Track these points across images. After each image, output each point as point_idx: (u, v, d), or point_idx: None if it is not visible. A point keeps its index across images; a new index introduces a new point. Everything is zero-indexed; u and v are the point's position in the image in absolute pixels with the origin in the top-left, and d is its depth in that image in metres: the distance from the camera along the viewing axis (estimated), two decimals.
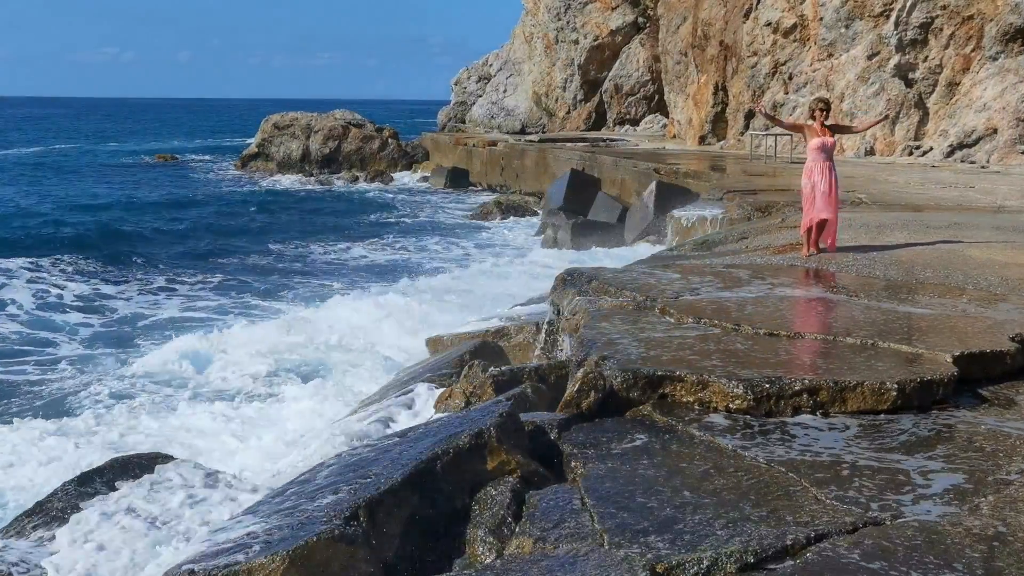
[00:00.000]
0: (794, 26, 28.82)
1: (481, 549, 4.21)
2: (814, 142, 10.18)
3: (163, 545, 5.94)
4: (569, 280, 8.87)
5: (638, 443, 4.90)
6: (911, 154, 24.86)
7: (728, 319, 6.92)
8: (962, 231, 12.04)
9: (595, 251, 21.15)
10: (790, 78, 29.17)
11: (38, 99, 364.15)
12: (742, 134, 30.86)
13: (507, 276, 19.61)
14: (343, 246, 26.30)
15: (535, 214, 30.52)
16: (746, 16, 30.93)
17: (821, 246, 10.24)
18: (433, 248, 25.92)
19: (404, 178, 44.74)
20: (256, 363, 13.34)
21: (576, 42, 45.62)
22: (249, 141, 57.32)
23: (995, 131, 22.90)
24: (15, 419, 10.92)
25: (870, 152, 25.74)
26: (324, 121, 46.75)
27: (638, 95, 44.29)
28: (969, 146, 23.42)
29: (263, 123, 49.54)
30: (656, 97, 43.30)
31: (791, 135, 27.15)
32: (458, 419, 5.19)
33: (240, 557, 3.95)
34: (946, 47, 24.40)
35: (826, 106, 10.27)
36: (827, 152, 10.14)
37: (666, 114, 41.17)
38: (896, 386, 5.38)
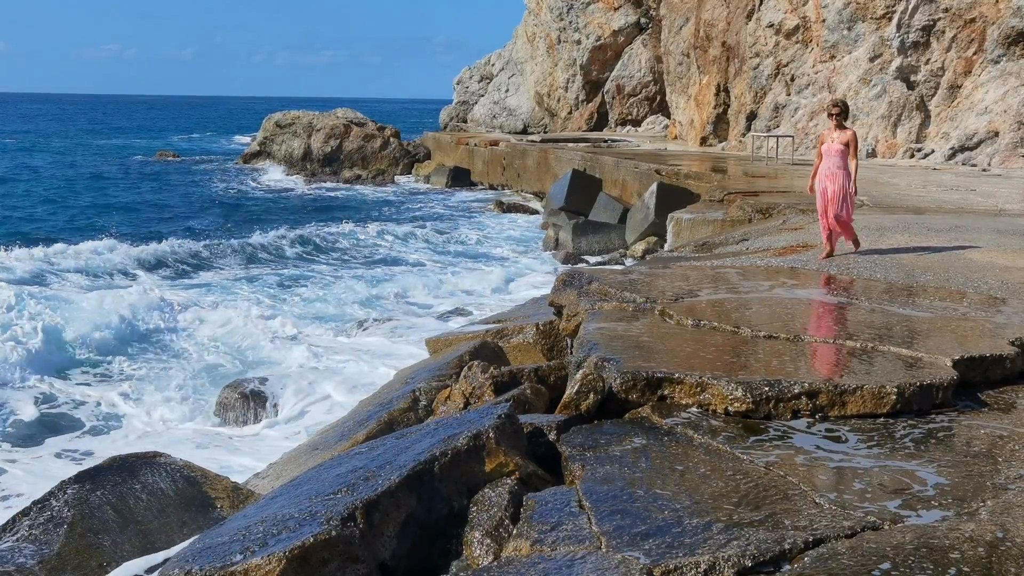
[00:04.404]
0: (796, 27, 28.82)
1: (478, 551, 4.20)
2: (823, 146, 10.18)
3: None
4: (569, 281, 8.86)
5: (637, 445, 4.89)
6: (912, 156, 24.84)
7: (728, 321, 6.91)
8: (963, 234, 12.03)
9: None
10: (792, 80, 29.16)
11: (39, 96, 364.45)
12: (744, 135, 30.85)
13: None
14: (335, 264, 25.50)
15: (535, 212, 30.56)
16: (748, 17, 30.92)
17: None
18: (433, 251, 25.93)
19: (406, 178, 44.72)
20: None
21: (579, 42, 45.60)
22: (249, 139, 57.40)
23: (996, 134, 22.88)
24: None
25: (872, 154, 25.72)
26: (326, 120, 46.76)
27: (640, 96, 44.27)
28: (970, 149, 23.40)
29: (265, 121, 49.61)
30: (658, 98, 43.28)
31: (792, 136, 27.17)
32: (456, 420, 5.18)
33: (236, 557, 3.95)
34: (948, 50, 24.38)
35: (835, 105, 10.13)
36: (833, 157, 10.08)
37: (668, 115, 41.16)
38: (896, 390, 5.37)
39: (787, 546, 3.71)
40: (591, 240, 22.94)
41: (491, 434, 4.70)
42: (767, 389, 5.33)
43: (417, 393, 7.87)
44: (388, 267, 21.91)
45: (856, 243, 10.52)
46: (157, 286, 19.32)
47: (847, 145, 10.00)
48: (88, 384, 12.65)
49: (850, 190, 10.06)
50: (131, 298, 16.75)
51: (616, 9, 44.85)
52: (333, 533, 3.96)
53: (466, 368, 7.16)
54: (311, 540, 3.91)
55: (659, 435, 5.03)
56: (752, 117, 30.99)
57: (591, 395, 5.44)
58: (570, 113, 47.18)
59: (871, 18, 26.15)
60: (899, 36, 25.08)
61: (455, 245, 25.96)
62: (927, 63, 24.87)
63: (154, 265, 22.26)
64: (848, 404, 5.34)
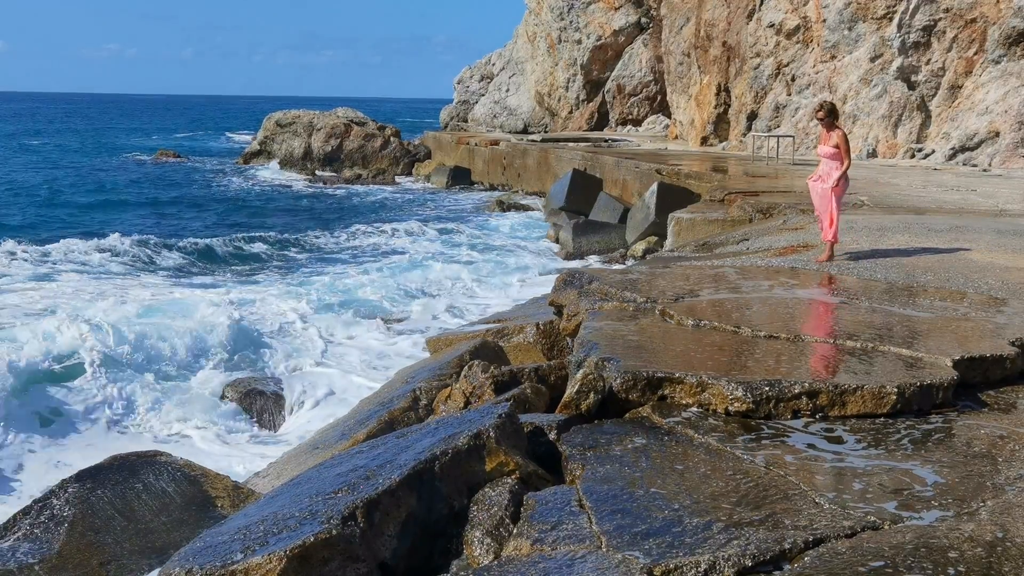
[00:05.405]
0: (797, 27, 28.82)
1: (479, 550, 4.21)
2: (818, 148, 10.25)
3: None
4: (569, 281, 8.87)
5: (637, 445, 4.90)
6: (913, 156, 24.85)
7: (728, 321, 6.92)
8: (963, 234, 12.03)
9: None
10: (792, 80, 29.17)
11: (39, 95, 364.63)
12: (744, 135, 30.85)
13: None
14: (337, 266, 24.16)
15: (535, 211, 30.59)
16: (749, 17, 30.92)
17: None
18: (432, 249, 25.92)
19: (406, 177, 44.71)
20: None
21: (579, 42, 45.60)
22: (249, 138, 57.44)
23: (997, 134, 22.88)
24: None
25: (872, 154, 25.73)
26: (326, 119, 46.75)
27: (640, 95, 44.28)
28: (971, 149, 23.41)
29: (265, 121, 49.59)
30: (659, 98, 43.29)
31: (792, 136, 27.18)
32: (457, 420, 5.19)
33: (237, 556, 3.95)
34: (949, 50, 24.39)
35: (819, 109, 10.08)
36: (825, 159, 10.07)
37: (668, 115, 41.17)
38: (896, 390, 5.37)
39: (787, 546, 3.71)
40: (591, 240, 22.93)
41: (491, 433, 4.70)
42: (767, 389, 5.34)
43: (417, 392, 7.87)
44: (388, 266, 21.89)
45: (833, 240, 10.12)
46: (158, 284, 19.33)
47: (837, 147, 9.97)
48: (88, 382, 12.65)
49: (832, 187, 9.93)
50: (134, 296, 16.75)
51: (617, 9, 44.86)
52: (333, 532, 3.97)
53: (466, 367, 7.17)
54: (312, 539, 3.92)
55: (659, 435, 5.04)
56: (753, 117, 31.00)
57: (591, 395, 5.45)
58: (571, 113, 47.19)
59: (872, 18, 26.16)
60: (900, 36, 25.08)
61: (455, 244, 25.95)
62: (928, 63, 24.87)
63: (155, 265, 22.28)
64: (848, 404, 5.34)
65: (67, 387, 12.30)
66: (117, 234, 24.81)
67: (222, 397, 11.70)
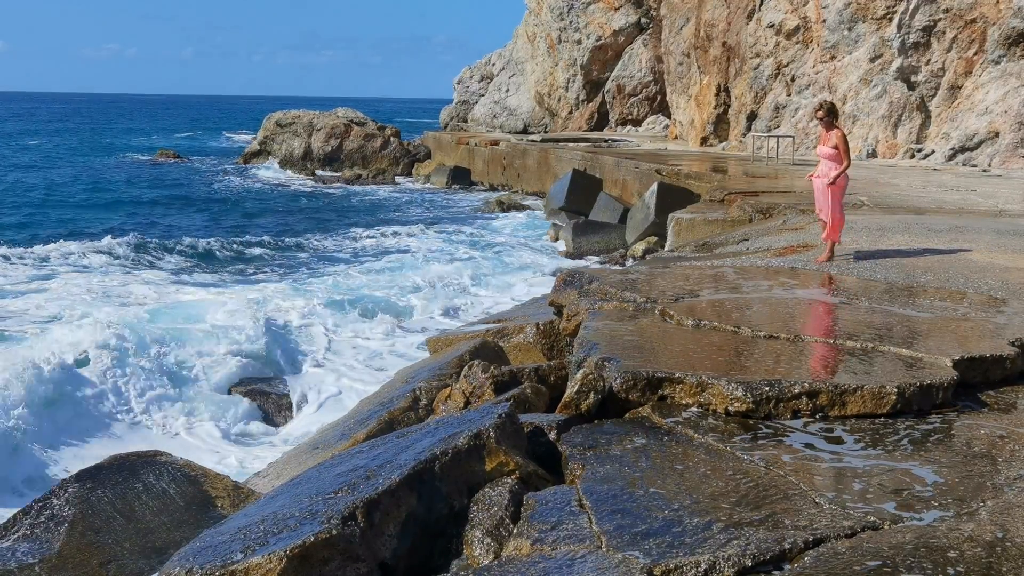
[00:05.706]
0: (797, 28, 28.82)
1: (479, 550, 4.21)
2: (818, 148, 10.23)
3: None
4: (569, 281, 8.88)
5: (637, 445, 4.90)
6: (913, 157, 24.85)
7: (728, 321, 6.92)
8: (963, 235, 12.03)
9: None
10: (792, 80, 29.17)
11: (38, 95, 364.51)
12: (744, 135, 30.85)
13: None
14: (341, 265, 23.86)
15: (535, 211, 30.62)
16: (749, 17, 30.92)
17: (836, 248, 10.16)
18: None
19: (406, 177, 44.70)
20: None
21: (579, 42, 45.61)
22: (249, 138, 57.47)
23: (997, 134, 22.88)
24: None
25: (872, 155, 25.73)
26: (326, 119, 46.75)
27: (640, 96, 44.28)
28: (971, 149, 23.41)
29: (265, 121, 49.60)
30: (658, 98, 43.29)
31: (792, 136, 27.19)
32: (457, 420, 5.19)
33: (237, 556, 3.95)
34: (948, 50, 24.39)
35: (819, 108, 10.05)
36: (824, 159, 10.04)
37: (668, 115, 41.17)
38: (896, 390, 5.37)
39: (787, 546, 3.72)
40: (591, 240, 22.93)
41: (491, 433, 4.71)
42: (767, 389, 5.34)
43: (417, 392, 7.88)
44: (388, 266, 21.90)
45: (833, 241, 10.14)
46: (160, 285, 19.32)
47: (836, 147, 9.95)
48: (90, 382, 12.66)
49: (829, 184, 9.90)
50: (138, 297, 16.76)
51: (617, 9, 44.87)
52: (334, 532, 3.97)
53: (466, 367, 7.17)
54: (312, 539, 3.92)
55: (659, 435, 5.04)
56: (752, 117, 31.00)
57: (591, 395, 5.45)
58: (570, 113, 47.20)
59: (871, 18, 26.16)
60: (900, 36, 25.08)
61: (455, 244, 25.96)
62: (928, 63, 24.87)
63: (156, 266, 22.28)
64: (848, 404, 5.35)
65: (68, 387, 12.30)
66: (111, 237, 24.81)
67: (228, 393, 11.73)
